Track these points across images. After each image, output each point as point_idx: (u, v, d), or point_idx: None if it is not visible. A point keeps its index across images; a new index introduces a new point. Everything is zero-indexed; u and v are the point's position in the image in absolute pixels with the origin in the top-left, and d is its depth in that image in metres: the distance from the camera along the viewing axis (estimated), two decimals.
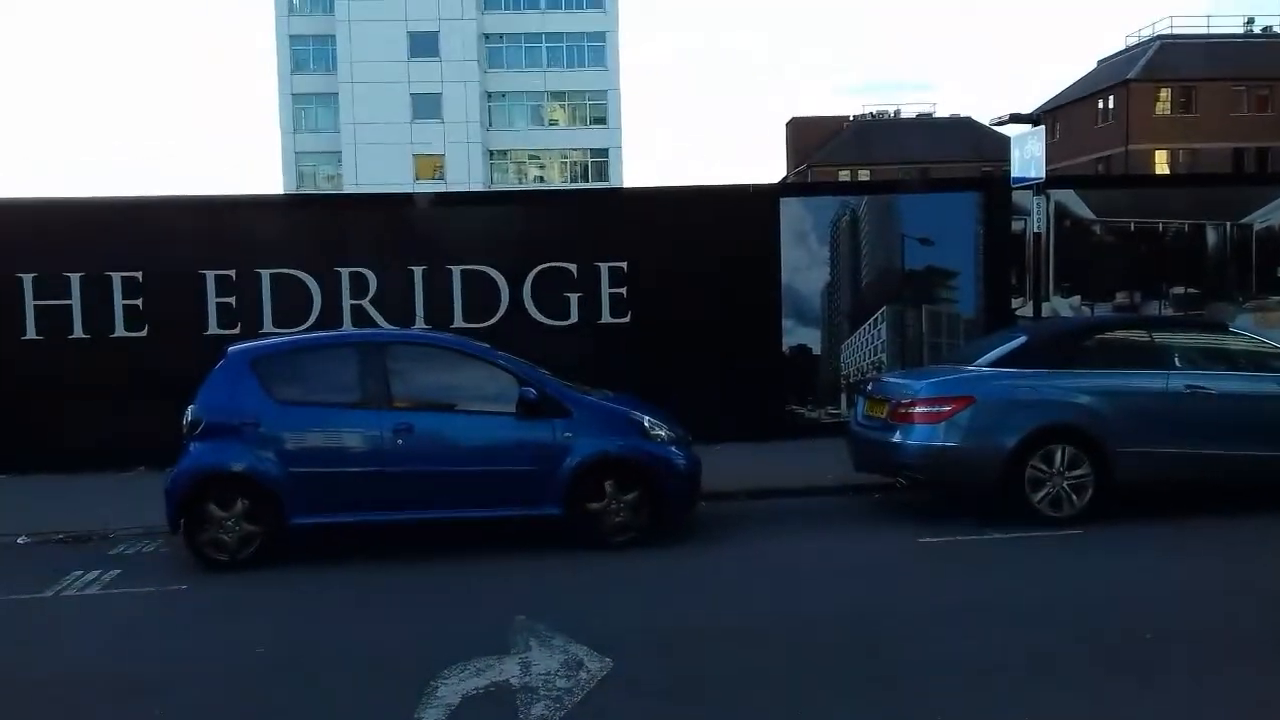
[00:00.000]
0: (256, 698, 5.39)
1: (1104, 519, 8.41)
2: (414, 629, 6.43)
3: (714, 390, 12.29)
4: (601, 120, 63.64)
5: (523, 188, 58.75)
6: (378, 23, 59.18)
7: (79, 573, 7.92)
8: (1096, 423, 8.56)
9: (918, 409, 8.74)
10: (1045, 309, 12.78)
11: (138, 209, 12.39)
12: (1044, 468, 8.52)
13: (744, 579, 7.41)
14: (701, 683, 5.36)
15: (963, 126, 69.45)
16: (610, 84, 63.34)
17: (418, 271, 12.42)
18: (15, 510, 9.93)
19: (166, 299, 12.11)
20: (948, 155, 63.15)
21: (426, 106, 60.24)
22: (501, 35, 63.04)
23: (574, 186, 58.24)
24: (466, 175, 59.33)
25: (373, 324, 12.05)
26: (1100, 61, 60.59)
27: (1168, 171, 50.00)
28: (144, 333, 12.11)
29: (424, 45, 60.09)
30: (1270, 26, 59.93)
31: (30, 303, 12.01)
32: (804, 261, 13.13)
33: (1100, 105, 55.85)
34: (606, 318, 12.68)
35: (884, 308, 13.21)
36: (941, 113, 75.18)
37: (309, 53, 62.40)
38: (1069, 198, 13.53)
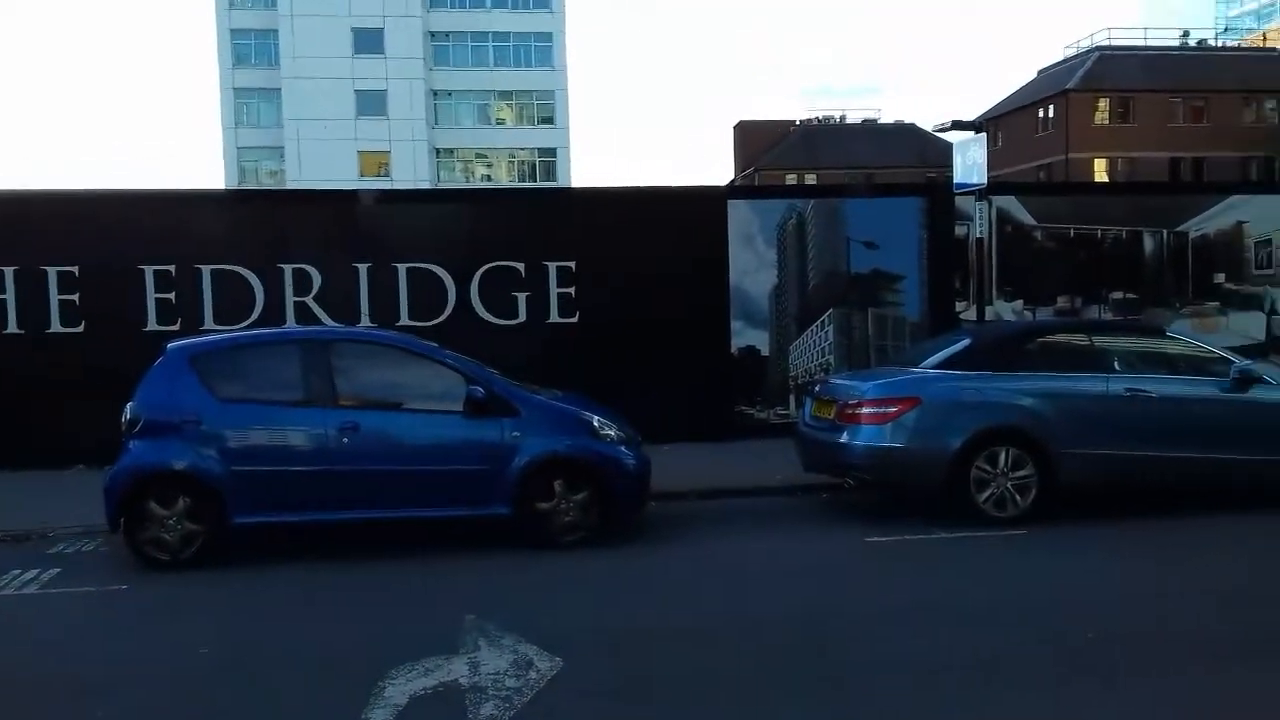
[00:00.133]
0: (200, 699, 5.28)
1: (1047, 519, 8.55)
2: (361, 629, 6.35)
3: (663, 390, 12.29)
4: (549, 120, 63.49)
5: (470, 186, 58.40)
6: (321, 18, 58.47)
7: (17, 572, 7.73)
8: (1039, 425, 8.69)
9: (864, 410, 8.82)
10: (988, 313, 12.98)
11: (74, 203, 12.12)
12: (988, 469, 8.63)
13: (693, 579, 7.41)
14: (651, 682, 5.35)
15: (907, 133, 70.36)
16: (558, 84, 63.21)
17: (363, 269, 12.28)
18: None
19: (104, 294, 11.85)
20: (893, 161, 63.93)
21: (371, 103, 59.64)
22: (448, 33, 62.60)
23: (522, 186, 58.05)
24: (412, 173, 58.84)
25: (317, 322, 11.90)
26: (1041, 71, 61.73)
27: (1106, 179, 51.00)
28: (81, 328, 11.84)
29: (369, 42, 59.49)
30: (1205, 40, 61.52)
31: None
32: (752, 264, 13.19)
33: (1041, 114, 56.89)
34: (555, 317, 12.63)
35: (831, 310, 13.32)
36: (886, 119, 76.11)
37: (251, 47, 61.49)
38: (1010, 204, 13.75)
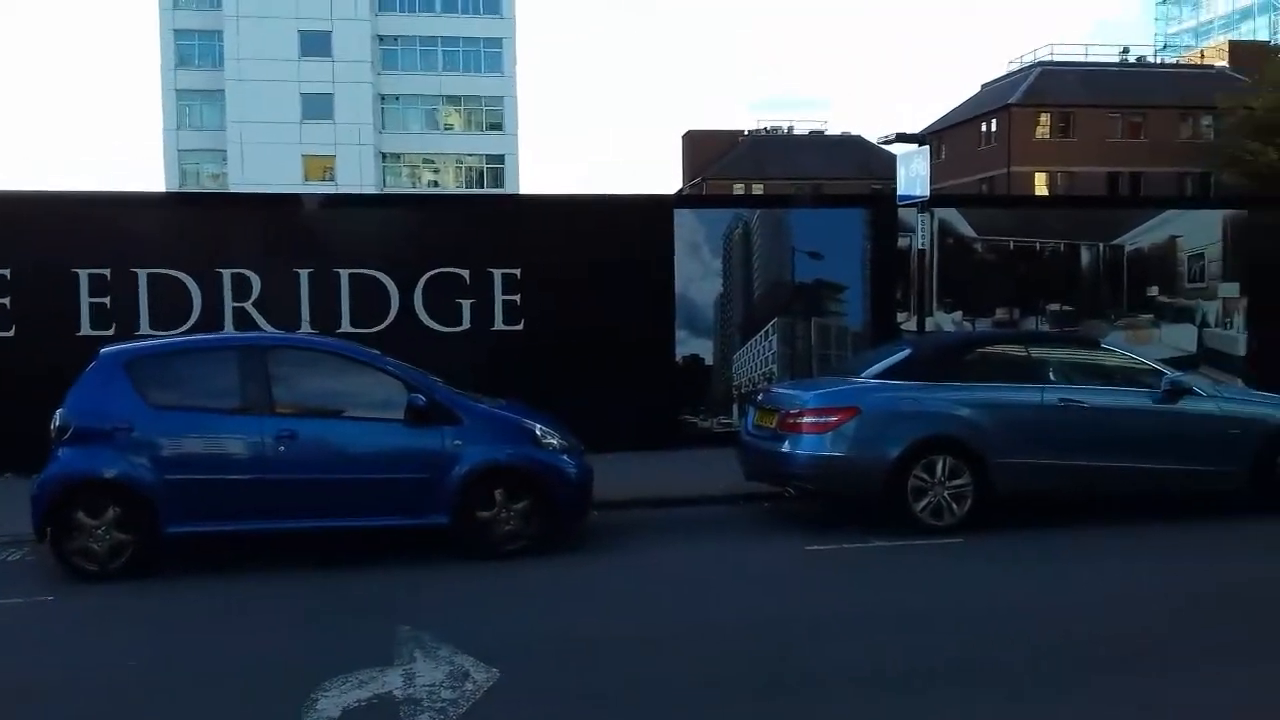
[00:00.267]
0: (128, 714, 5.18)
1: (983, 528, 8.66)
2: (294, 640, 6.26)
3: (607, 399, 12.27)
4: (498, 126, 63.25)
5: (416, 192, 57.97)
6: (268, 20, 57.76)
7: None
8: (976, 434, 8.81)
9: (806, 419, 8.88)
10: (929, 323, 13.13)
11: (6, 204, 11.84)
12: (926, 477, 8.73)
13: (634, 588, 7.40)
14: (590, 693, 5.33)
15: (853, 145, 71.03)
16: (507, 90, 63.01)
17: (304, 274, 12.13)
18: None
19: (36, 297, 11.59)
20: (839, 172, 64.49)
21: (317, 107, 58.98)
22: (396, 37, 62.17)
23: (469, 192, 57.76)
24: (358, 177, 58.30)
25: (256, 328, 11.72)
26: (984, 86, 62.67)
27: (1046, 193, 51.91)
28: (11, 332, 11.57)
29: (316, 44, 58.87)
30: (1144, 57, 62.87)
31: None
32: (697, 272, 13.23)
33: (984, 128, 57.75)
34: (499, 324, 12.58)
35: (775, 319, 13.40)
36: (833, 131, 76.79)
37: (194, 48, 60.60)
38: (952, 216, 13.94)
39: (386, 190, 57.86)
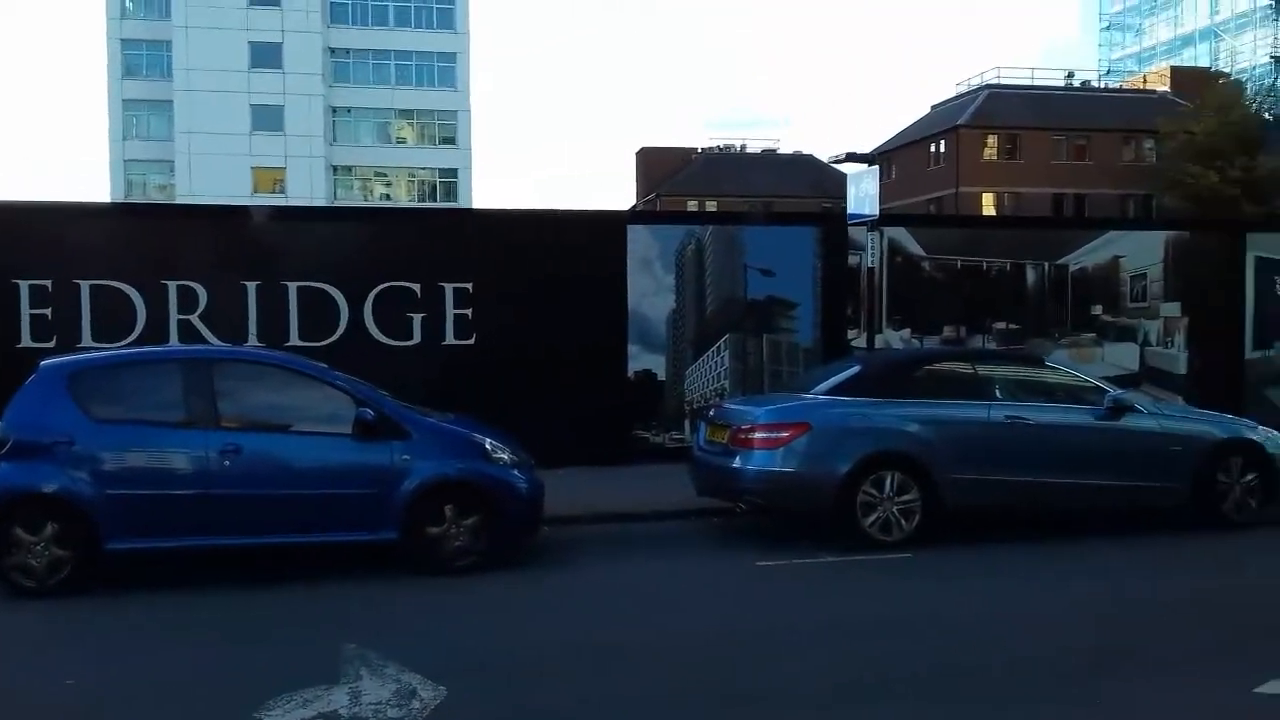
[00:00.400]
0: None
1: (931, 543, 8.74)
2: (238, 658, 6.15)
3: (559, 414, 12.22)
4: (451, 140, 63.00)
5: (367, 205, 57.52)
6: (217, 30, 57.12)
7: None
8: (924, 450, 8.89)
9: (757, 435, 8.91)
10: (878, 340, 13.24)
11: None
12: (875, 493, 8.79)
13: (585, 604, 7.37)
14: (540, 710, 5.30)
15: (805, 164, 71.63)
16: (460, 105, 62.80)
17: (251, 287, 11.97)
18: None
19: None
20: (791, 191, 65.00)
21: (267, 119, 58.36)
22: (348, 50, 61.74)
23: (420, 205, 57.40)
24: (309, 190, 57.67)
25: (202, 341, 11.55)
26: (933, 107, 63.57)
27: (994, 213, 52.70)
28: None
29: (266, 56, 58.28)
30: (1088, 81, 64.15)
31: None
32: (650, 288, 13.26)
33: (933, 149, 58.54)
34: (451, 339, 12.50)
35: (727, 335, 13.46)
36: (785, 149, 77.48)
37: (142, 58, 59.77)
38: (901, 235, 14.10)
39: (337, 203, 57.36)
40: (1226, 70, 57.81)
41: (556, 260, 12.73)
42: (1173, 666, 5.79)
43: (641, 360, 13.22)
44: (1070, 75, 63.11)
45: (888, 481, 8.78)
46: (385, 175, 63.46)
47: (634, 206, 69.35)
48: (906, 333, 13.93)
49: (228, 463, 7.63)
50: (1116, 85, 65.09)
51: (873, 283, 13.01)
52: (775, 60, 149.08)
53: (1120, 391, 9.84)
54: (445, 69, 62.56)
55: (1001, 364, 10.45)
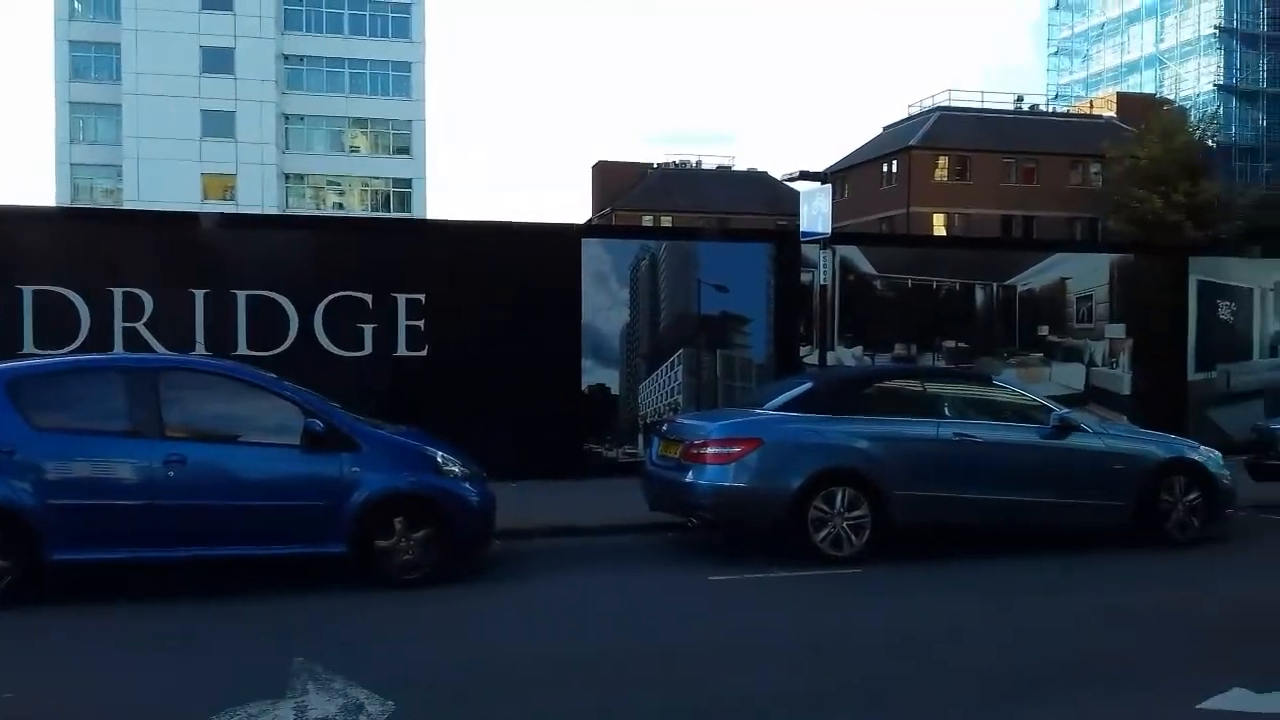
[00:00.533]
0: None
1: (881, 558, 8.80)
2: (183, 672, 6.02)
3: (512, 427, 12.18)
4: (405, 150, 62.68)
5: (319, 214, 56.96)
6: (168, 34, 56.40)
7: None
8: (874, 467, 8.96)
9: (709, 450, 8.92)
10: (830, 357, 13.37)
11: None
12: (825, 509, 8.83)
13: (536, 618, 7.32)
14: None
15: (760, 181, 72.12)
16: (415, 114, 62.54)
17: (199, 295, 11.80)
18: None
19: None
20: (746, 207, 65.44)
21: (218, 125, 57.70)
22: (302, 57, 61.27)
23: (375, 215, 56.99)
24: (260, 198, 57.09)
25: (148, 348, 11.36)
26: (886, 128, 64.37)
27: (944, 233, 53.39)
28: None
29: (218, 61, 57.64)
30: (1037, 105, 65.29)
31: None
32: (605, 302, 13.26)
33: (885, 169, 59.25)
34: (403, 350, 12.41)
35: (681, 350, 13.49)
36: (740, 166, 77.96)
37: (90, 61, 58.91)
38: (853, 253, 14.24)
39: (289, 211, 56.75)
40: (1171, 97, 59.13)
41: (511, 273, 12.70)
42: (1117, 683, 5.86)
43: (595, 374, 13.21)
44: (1020, 99, 64.22)
45: (838, 497, 8.83)
46: (338, 184, 62.94)
47: (589, 220, 69.33)
48: (858, 350, 14.06)
49: (172, 473, 7.50)
50: (1064, 110, 66.30)
51: (825, 300, 13.12)
52: (723, 77, 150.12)
53: (1066, 410, 10.00)
54: (400, 78, 62.30)
55: (950, 382, 10.56)
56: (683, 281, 13.59)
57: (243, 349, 11.74)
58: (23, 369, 8.09)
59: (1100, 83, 67.32)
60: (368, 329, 12.30)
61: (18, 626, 6.92)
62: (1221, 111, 57.94)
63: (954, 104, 60.10)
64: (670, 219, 63.30)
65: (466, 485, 8.24)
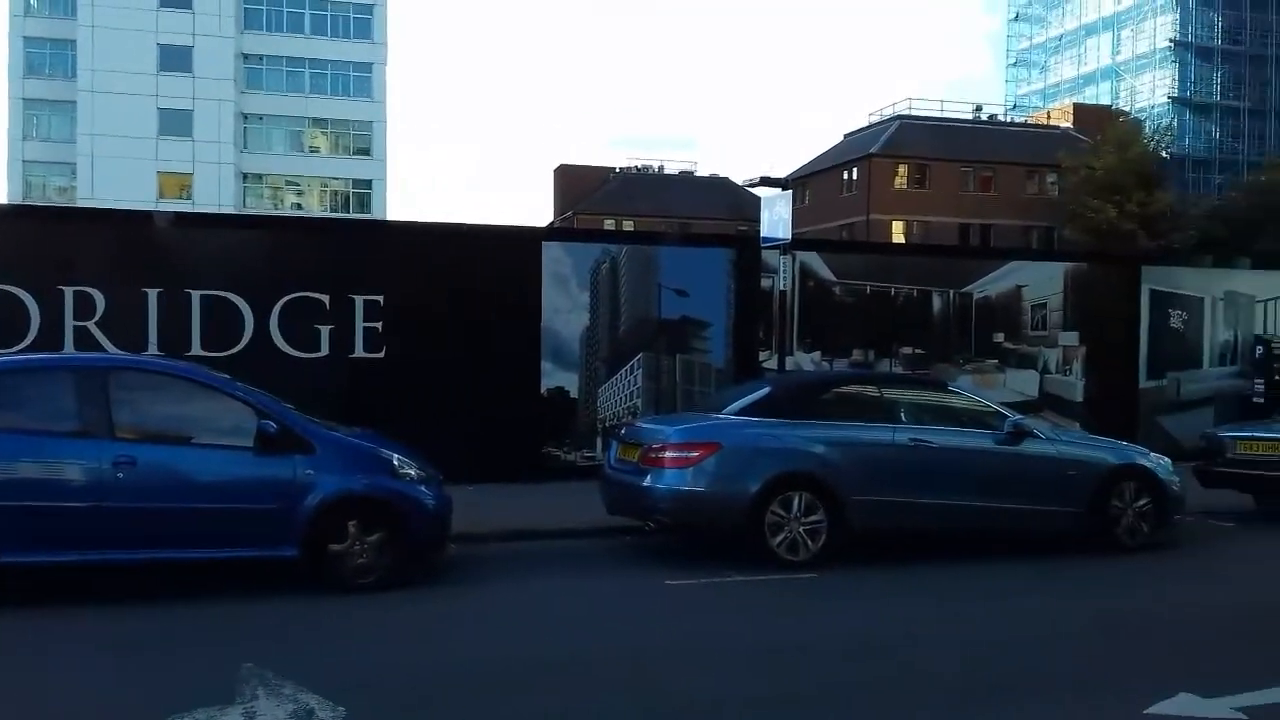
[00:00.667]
0: None
1: (837, 563, 8.83)
2: (131, 678, 5.92)
3: (470, 429, 12.12)
4: (365, 151, 62.19)
5: (275, 213, 56.39)
6: (125, 31, 55.58)
7: None
8: (831, 471, 9.00)
9: (667, 454, 8.93)
10: (789, 362, 13.42)
11: None
12: (782, 513, 8.86)
13: (492, 622, 7.28)
14: None
15: (721, 187, 72.33)
16: (376, 115, 62.09)
17: (152, 294, 11.64)
18: None
19: None
20: (707, 212, 65.52)
21: (175, 123, 56.92)
22: (261, 56, 60.63)
23: (332, 215, 56.50)
24: (216, 197, 56.37)
25: (99, 348, 11.18)
26: (847, 136, 64.80)
27: (903, 241, 53.82)
28: None
29: (175, 59, 56.88)
30: (995, 115, 66.06)
31: None
32: (564, 305, 13.23)
33: (846, 176, 59.61)
34: (360, 352, 12.31)
35: (640, 354, 13.49)
36: (702, 172, 78.13)
37: (45, 57, 57.97)
38: (813, 259, 14.33)
39: (247, 211, 56.13)
40: (1126, 108, 60.09)
41: (470, 275, 12.64)
42: (1065, 688, 5.91)
43: (554, 377, 13.17)
44: (978, 109, 64.92)
45: (795, 502, 8.86)
46: (297, 184, 62.32)
47: (551, 223, 69.21)
48: (816, 355, 14.14)
49: (121, 475, 7.37)
50: (1022, 120, 67.14)
51: (784, 305, 13.17)
52: (686, 83, 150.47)
53: (1020, 417, 10.10)
54: (361, 79, 61.84)
55: (907, 388, 10.67)
56: (643, 285, 13.59)
57: (197, 349, 11.59)
58: None
59: (1058, 94, 68.26)
60: (324, 330, 12.19)
61: None
62: (1175, 123, 58.91)
63: (914, 113, 60.59)
64: (632, 223, 63.25)
65: (422, 488, 8.18)
